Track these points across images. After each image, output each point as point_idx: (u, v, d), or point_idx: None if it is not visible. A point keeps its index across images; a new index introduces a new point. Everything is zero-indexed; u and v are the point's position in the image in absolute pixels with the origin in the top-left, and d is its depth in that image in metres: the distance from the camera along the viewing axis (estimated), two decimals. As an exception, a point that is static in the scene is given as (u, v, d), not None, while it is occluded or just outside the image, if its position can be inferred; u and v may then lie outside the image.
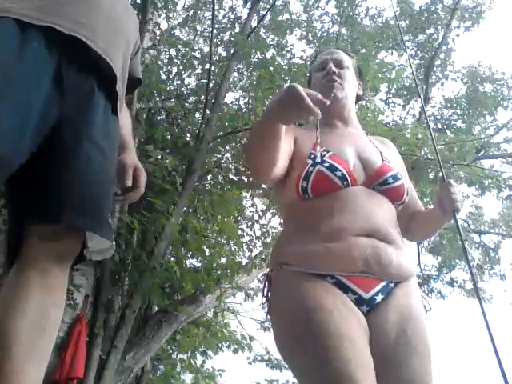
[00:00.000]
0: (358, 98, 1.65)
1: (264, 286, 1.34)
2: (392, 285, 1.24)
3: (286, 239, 1.37)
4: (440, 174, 1.48)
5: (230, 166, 5.70)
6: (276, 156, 1.27)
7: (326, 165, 1.33)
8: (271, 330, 1.30)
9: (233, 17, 7.01)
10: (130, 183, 1.38)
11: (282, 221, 1.57)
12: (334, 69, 1.54)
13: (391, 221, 1.34)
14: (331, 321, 1.12)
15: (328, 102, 1.06)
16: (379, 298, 1.21)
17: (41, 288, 1.13)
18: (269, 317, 1.32)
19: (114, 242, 1.28)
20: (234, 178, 5.45)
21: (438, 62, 7.76)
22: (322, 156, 1.36)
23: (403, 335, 1.18)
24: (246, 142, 1.48)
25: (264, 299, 1.33)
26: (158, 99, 5.74)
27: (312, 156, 1.37)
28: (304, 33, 7.36)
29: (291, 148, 1.42)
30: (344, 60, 1.59)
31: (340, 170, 1.32)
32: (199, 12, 7.44)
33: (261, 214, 5.79)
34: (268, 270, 1.39)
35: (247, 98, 6.08)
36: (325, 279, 1.21)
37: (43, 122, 1.12)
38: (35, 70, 1.11)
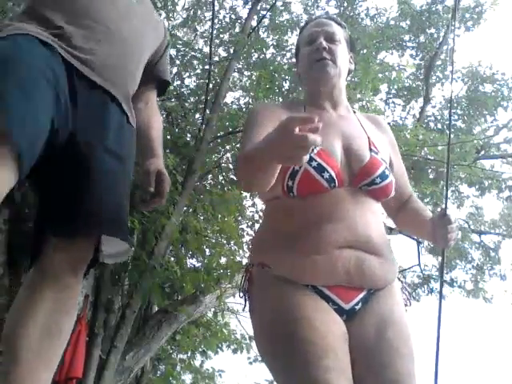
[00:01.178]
0: (349, 72, 1.53)
1: (244, 280, 1.32)
2: (372, 291, 1.24)
3: (269, 237, 1.33)
4: (443, 206, 1.37)
5: (230, 166, 5.71)
6: (273, 178, 1.19)
7: (314, 164, 1.24)
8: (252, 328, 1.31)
9: (233, 17, 7.02)
10: (152, 189, 1.38)
11: (264, 211, 1.49)
12: (324, 44, 1.40)
13: (376, 227, 1.29)
14: (313, 331, 1.13)
15: (320, 125, 0.92)
16: (359, 306, 1.22)
17: (54, 297, 1.15)
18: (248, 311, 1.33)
19: (132, 247, 1.30)
20: (234, 178, 5.45)
21: (438, 63, 7.75)
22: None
23: (384, 338, 1.18)
24: (237, 163, 1.32)
25: (243, 295, 1.32)
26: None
27: None
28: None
29: None
30: (336, 32, 1.44)
31: (328, 172, 1.24)
32: (199, 12, 7.45)
33: (261, 213, 5.79)
34: (248, 263, 1.36)
35: (247, 98, 6.09)
36: (306, 288, 1.21)
37: (57, 131, 1.13)
38: (56, 77, 1.14)
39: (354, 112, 1.49)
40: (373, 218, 1.29)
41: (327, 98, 1.44)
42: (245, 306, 1.32)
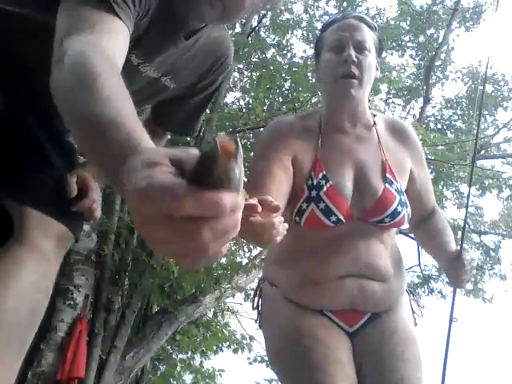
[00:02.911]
0: (374, 80, 1.37)
1: (255, 295, 1.37)
2: (376, 312, 1.26)
3: (278, 257, 1.34)
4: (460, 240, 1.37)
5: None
6: None
7: (321, 206, 1.19)
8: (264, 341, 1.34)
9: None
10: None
11: None
12: (353, 57, 1.25)
13: (384, 255, 1.27)
14: (319, 344, 1.17)
15: (281, 209, 0.87)
16: (362, 328, 1.25)
17: (35, 271, 1.02)
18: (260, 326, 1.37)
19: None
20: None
21: (438, 63, 7.75)
22: (318, 188, 1.22)
23: (389, 344, 1.21)
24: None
25: (255, 309, 1.36)
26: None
27: (309, 183, 1.23)
28: (305, 33, 7.36)
29: (290, 180, 1.25)
30: (366, 40, 1.29)
31: (335, 215, 1.20)
32: (199, 12, 7.42)
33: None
34: (261, 278, 1.40)
35: (247, 98, 6.08)
36: (313, 310, 1.24)
37: None
38: None
39: (375, 123, 1.36)
40: (381, 246, 1.27)
41: (347, 116, 1.33)
42: (257, 318, 1.36)
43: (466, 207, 1.35)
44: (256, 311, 1.36)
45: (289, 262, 1.28)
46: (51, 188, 1.08)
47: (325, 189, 1.22)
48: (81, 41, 0.76)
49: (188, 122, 1.34)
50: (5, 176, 1.05)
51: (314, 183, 1.23)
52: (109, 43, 0.80)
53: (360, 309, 1.23)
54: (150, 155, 0.45)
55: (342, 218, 1.21)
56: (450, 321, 1.41)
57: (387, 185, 1.26)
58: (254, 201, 0.83)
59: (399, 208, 1.25)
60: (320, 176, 1.23)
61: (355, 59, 1.26)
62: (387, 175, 1.28)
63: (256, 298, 1.36)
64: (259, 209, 0.79)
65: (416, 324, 1.33)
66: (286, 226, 0.88)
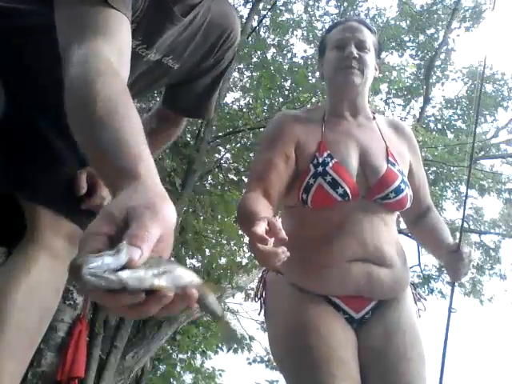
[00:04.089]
0: (374, 79, 1.48)
1: (259, 286, 1.37)
2: (382, 300, 1.27)
3: (285, 244, 1.34)
4: (458, 240, 1.36)
5: (230, 166, 5.71)
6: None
7: (328, 179, 1.24)
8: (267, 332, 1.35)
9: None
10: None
11: (281, 218, 1.50)
12: (354, 53, 1.35)
13: (388, 239, 1.29)
14: (323, 342, 1.17)
15: (286, 239, 0.95)
16: (368, 315, 1.25)
17: (46, 270, 1.02)
18: (264, 316, 1.37)
19: None
20: (234, 178, 5.45)
21: (438, 63, 7.75)
22: (324, 164, 1.27)
23: (392, 344, 1.22)
24: (238, 211, 1.21)
25: (259, 300, 1.36)
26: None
27: (315, 162, 1.28)
28: (305, 33, 7.37)
29: (292, 166, 1.31)
30: (367, 40, 1.39)
31: (342, 187, 1.23)
32: (200, 12, 7.42)
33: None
34: (265, 269, 1.39)
35: (247, 98, 6.09)
36: (318, 297, 1.24)
37: None
38: None
39: (374, 118, 1.45)
40: (385, 229, 1.29)
41: (348, 106, 1.41)
42: (260, 310, 1.36)
43: (465, 200, 1.39)
44: (259, 302, 1.36)
45: (294, 247, 1.28)
46: (62, 186, 1.08)
47: (331, 164, 1.27)
48: (82, 54, 0.78)
49: (200, 104, 1.32)
50: (18, 176, 1.06)
51: (320, 161, 1.28)
52: (111, 44, 0.81)
53: (366, 296, 1.24)
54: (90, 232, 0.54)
55: (348, 191, 1.24)
56: (449, 311, 1.43)
57: (390, 165, 1.31)
58: (264, 223, 0.93)
59: (402, 185, 1.29)
60: (325, 155, 1.29)
61: (356, 55, 1.35)
62: (389, 158, 1.33)
63: (259, 288, 1.36)
64: (270, 243, 0.90)
65: (419, 316, 1.34)
66: (288, 254, 0.95)
